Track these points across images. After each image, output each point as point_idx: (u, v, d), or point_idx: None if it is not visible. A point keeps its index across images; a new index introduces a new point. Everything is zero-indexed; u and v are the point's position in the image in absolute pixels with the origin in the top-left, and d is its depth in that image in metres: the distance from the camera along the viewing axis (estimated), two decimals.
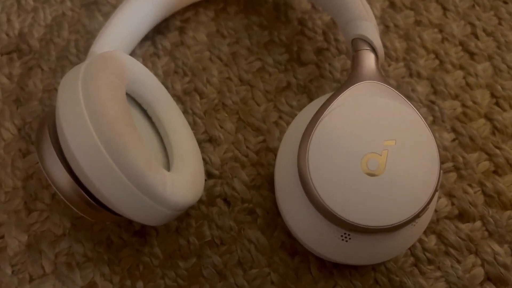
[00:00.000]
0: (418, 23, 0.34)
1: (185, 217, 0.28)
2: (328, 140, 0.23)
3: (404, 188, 0.22)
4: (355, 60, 0.26)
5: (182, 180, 0.24)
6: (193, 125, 0.31)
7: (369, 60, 0.25)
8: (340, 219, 0.22)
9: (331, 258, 0.25)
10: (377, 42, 0.26)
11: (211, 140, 0.30)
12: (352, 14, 0.27)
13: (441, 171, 0.23)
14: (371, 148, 0.23)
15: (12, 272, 0.27)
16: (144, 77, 0.27)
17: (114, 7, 0.35)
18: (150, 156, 0.22)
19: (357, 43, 0.26)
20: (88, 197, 0.23)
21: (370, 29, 0.26)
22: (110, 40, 0.29)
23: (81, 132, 0.21)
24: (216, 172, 0.29)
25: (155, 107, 0.27)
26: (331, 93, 0.26)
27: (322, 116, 0.23)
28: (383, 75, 0.25)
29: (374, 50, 0.26)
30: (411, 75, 0.32)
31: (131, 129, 0.21)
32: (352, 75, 0.25)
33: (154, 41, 0.33)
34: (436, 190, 0.23)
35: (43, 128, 0.23)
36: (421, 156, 0.23)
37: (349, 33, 0.27)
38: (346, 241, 0.24)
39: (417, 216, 0.22)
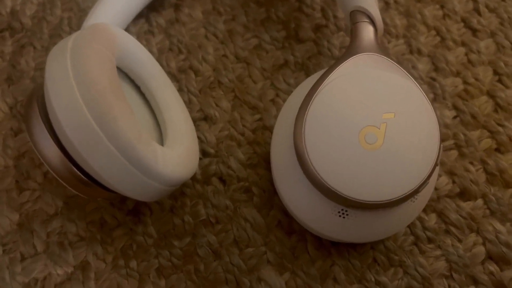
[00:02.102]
0: None
1: (180, 196, 0.28)
2: (325, 113, 0.22)
3: (402, 163, 0.22)
4: (354, 32, 0.25)
5: (174, 155, 0.23)
6: (188, 103, 0.30)
7: (368, 32, 0.25)
8: (337, 194, 0.22)
9: (328, 236, 0.24)
10: (376, 13, 0.25)
11: (207, 118, 0.30)
12: None
13: (441, 145, 0.22)
14: (370, 121, 0.22)
15: (4, 251, 0.27)
16: (137, 52, 0.26)
17: None
18: (141, 129, 0.21)
19: (355, 16, 0.25)
20: (79, 173, 0.22)
21: (369, 1, 0.25)
22: (102, 16, 0.28)
23: (69, 104, 0.20)
24: (212, 150, 0.29)
25: (149, 84, 0.27)
26: (327, 68, 0.25)
27: (319, 90, 0.23)
28: (382, 48, 0.25)
29: (373, 22, 0.25)
30: (411, 52, 0.31)
31: (121, 100, 0.21)
32: (350, 48, 0.24)
33: (149, 18, 0.33)
34: (436, 165, 0.22)
35: (31, 102, 0.23)
36: (420, 130, 0.22)
37: (347, 6, 0.26)
38: (344, 217, 0.23)
39: (416, 191, 0.22)
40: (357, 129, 0.22)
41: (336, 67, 0.23)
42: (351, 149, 0.22)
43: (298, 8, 0.33)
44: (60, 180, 0.22)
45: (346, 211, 0.23)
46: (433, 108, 0.22)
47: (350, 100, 0.22)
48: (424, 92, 0.23)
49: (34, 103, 0.22)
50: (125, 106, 0.21)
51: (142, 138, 0.21)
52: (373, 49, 0.24)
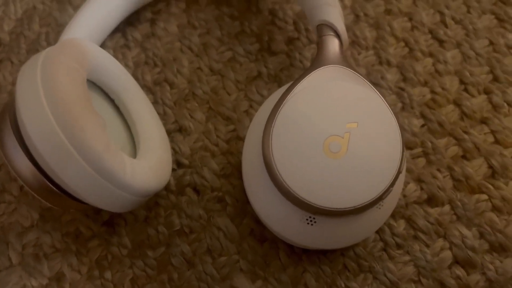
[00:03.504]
0: (388, 12, 0.34)
1: (154, 206, 0.28)
2: (290, 123, 0.23)
3: (366, 170, 0.22)
4: (320, 45, 0.26)
5: (143, 166, 0.24)
6: (163, 115, 0.31)
7: (333, 45, 0.26)
8: (304, 202, 0.22)
9: (298, 243, 0.25)
10: (341, 27, 0.26)
11: (181, 129, 0.30)
12: (316, 0, 0.27)
13: (404, 153, 0.23)
14: (333, 131, 0.23)
15: None
16: (110, 66, 0.27)
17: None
18: (109, 140, 0.22)
19: (321, 29, 0.26)
20: (50, 185, 0.22)
21: (334, 15, 0.26)
22: (78, 31, 0.28)
23: (38, 116, 0.20)
24: (186, 161, 0.29)
25: (122, 97, 0.27)
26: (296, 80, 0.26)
27: (285, 101, 0.23)
28: (347, 60, 0.25)
29: (338, 35, 0.26)
30: (381, 63, 0.32)
31: (88, 112, 0.21)
32: (316, 60, 0.25)
33: (125, 33, 0.33)
34: (399, 172, 0.23)
35: (4, 116, 0.23)
36: (383, 138, 0.23)
37: (314, 19, 0.27)
38: (312, 224, 0.23)
39: (380, 198, 0.22)
40: (322, 139, 0.23)
41: (302, 78, 0.24)
42: (316, 158, 0.22)
43: (271, 22, 0.34)
44: (32, 193, 0.23)
45: (313, 218, 0.23)
46: (396, 117, 0.23)
47: (315, 111, 0.23)
48: (393, 102, 0.23)
49: (6, 117, 0.23)
50: (93, 118, 0.21)
51: (110, 149, 0.21)
52: (338, 61, 0.25)
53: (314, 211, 0.23)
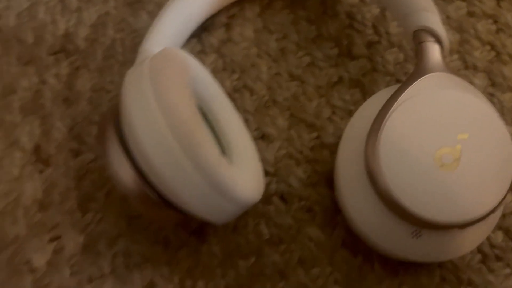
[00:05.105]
0: (471, 14, 0.33)
1: (242, 215, 0.28)
2: (399, 134, 0.22)
3: (478, 183, 0.22)
4: (420, 52, 0.25)
5: (248, 178, 0.23)
6: (245, 123, 0.30)
7: (434, 52, 0.25)
8: (413, 215, 0.22)
9: (399, 256, 0.24)
10: (442, 33, 0.25)
11: (264, 137, 0.30)
12: (412, 5, 0.26)
13: None
14: (445, 142, 0.22)
15: (71, 273, 0.27)
16: (201, 74, 0.26)
17: (158, 5, 0.35)
18: (219, 154, 0.21)
19: (420, 35, 0.25)
20: (156, 196, 0.22)
21: (434, 20, 0.25)
22: (161, 38, 0.28)
23: (155, 131, 0.20)
24: (271, 169, 0.29)
25: (212, 105, 0.27)
26: (391, 87, 0.25)
27: (390, 111, 0.23)
28: (449, 66, 0.25)
29: (439, 41, 0.25)
30: (466, 68, 0.31)
31: (202, 127, 0.21)
32: (417, 68, 0.24)
33: (201, 38, 0.33)
34: (511, 185, 0.22)
35: (107, 125, 0.23)
36: (494, 150, 0.22)
37: (411, 25, 0.26)
38: (417, 238, 0.23)
39: (491, 212, 0.22)
40: (433, 150, 0.22)
41: (406, 88, 0.23)
42: (426, 170, 0.22)
43: (349, 25, 0.33)
44: (136, 204, 0.23)
45: (419, 231, 0.23)
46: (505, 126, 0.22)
47: (424, 121, 0.22)
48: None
49: (110, 125, 0.23)
50: (206, 132, 0.21)
51: (222, 163, 0.21)
52: (441, 68, 0.24)
53: (422, 225, 0.22)
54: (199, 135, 0.20)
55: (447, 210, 0.22)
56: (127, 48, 0.33)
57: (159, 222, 0.27)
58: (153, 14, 0.34)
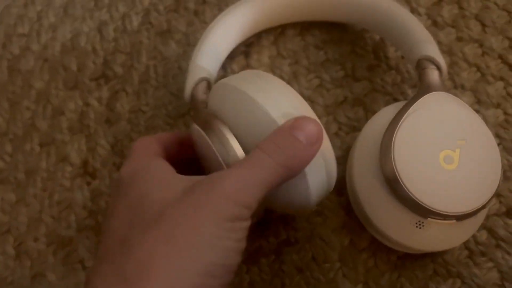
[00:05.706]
0: (459, 39, 0.37)
1: (264, 220, 0.32)
2: (410, 139, 0.27)
3: (474, 181, 0.26)
4: (423, 76, 0.30)
5: None
6: None
7: (434, 76, 0.30)
8: (422, 205, 0.26)
9: (404, 245, 0.28)
10: (441, 61, 0.30)
11: None
12: (415, 38, 0.31)
13: (502, 168, 0.27)
14: (447, 146, 0.27)
15: None
16: None
17: (185, 34, 0.39)
18: None
19: (423, 63, 0.30)
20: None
21: (434, 50, 0.30)
22: (206, 60, 0.32)
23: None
24: None
25: None
26: (393, 105, 0.30)
27: (401, 121, 0.27)
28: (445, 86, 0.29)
29: (438, 67, 0.30)
30: (455, 87, 0.35)
31: None
32: (421, 88, 0.29)
33: (223, 65, 0.38)
34: (499, 184, 0.26)
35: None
36: (486, 153, 0.27)
37: (415, 55, 0.31)
38: (420, 228, 0.27)
39: (484, 206, 0.26)
40: (438, 152, 0.27)
41: (413, 103, 0.28)
42: (434, 169, 0.26)
43: (352, 51, 0.37)
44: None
45: (422, 222, 0.27)
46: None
47: (430, 129, 0.27)
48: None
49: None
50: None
51: None
52: (440, 88, 0.29)
53: (428, 214, 0.26)
54: None
55: (448, 202, 0.26)
56: (159, 74, 0.38)
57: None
58: (181, 43, 0.39)
